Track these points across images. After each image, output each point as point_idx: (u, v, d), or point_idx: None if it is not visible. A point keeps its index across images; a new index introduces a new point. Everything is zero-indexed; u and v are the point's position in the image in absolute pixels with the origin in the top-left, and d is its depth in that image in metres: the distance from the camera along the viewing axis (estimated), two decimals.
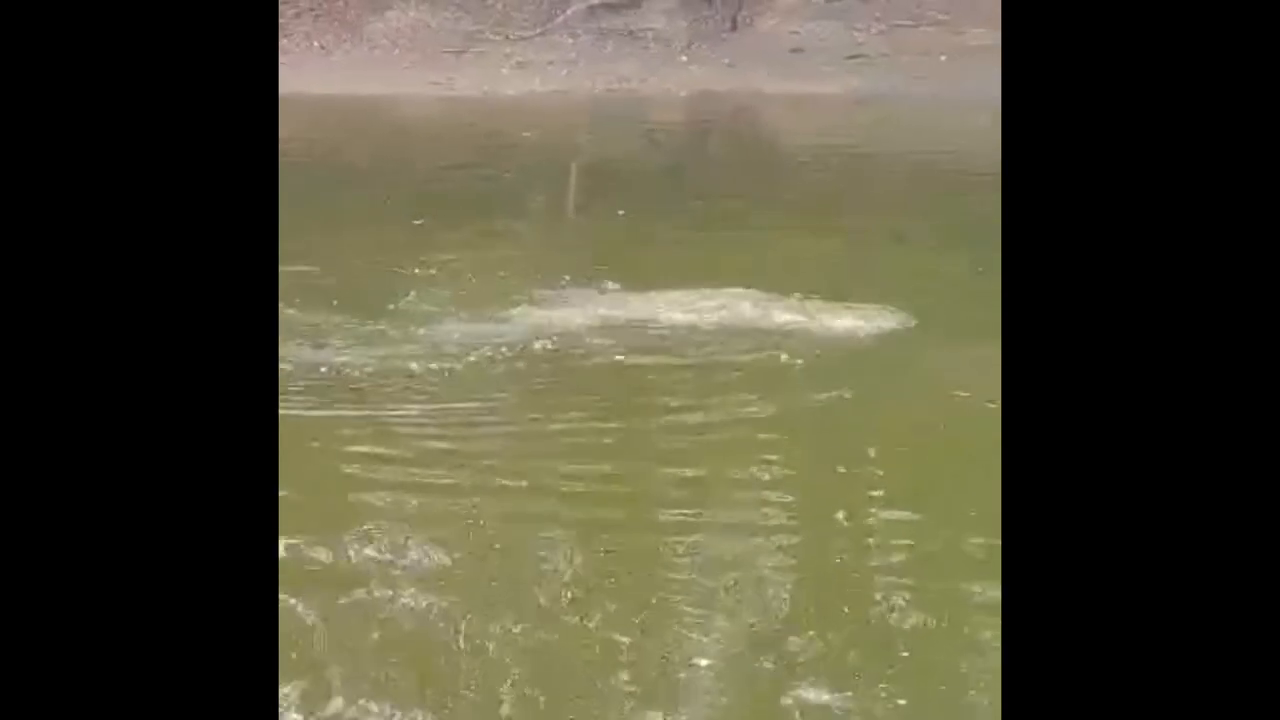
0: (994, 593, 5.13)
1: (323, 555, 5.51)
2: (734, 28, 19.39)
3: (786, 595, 5.36)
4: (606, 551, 5.59)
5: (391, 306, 8.72)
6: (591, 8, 19.48)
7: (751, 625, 5.10)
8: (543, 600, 5.21)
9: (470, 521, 5.84)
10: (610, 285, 9.20)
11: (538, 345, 8.04)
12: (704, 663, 4.88)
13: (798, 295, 8.86)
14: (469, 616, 5.12)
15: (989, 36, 18.44)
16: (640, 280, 9.25)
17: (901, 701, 4.65)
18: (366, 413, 7.05)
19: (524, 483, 6.22)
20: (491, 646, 4.94)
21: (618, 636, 5.00)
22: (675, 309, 8.66)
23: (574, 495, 6.09)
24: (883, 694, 4.70)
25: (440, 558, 5.51)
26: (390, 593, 5.31)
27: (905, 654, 4.91)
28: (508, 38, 19.54)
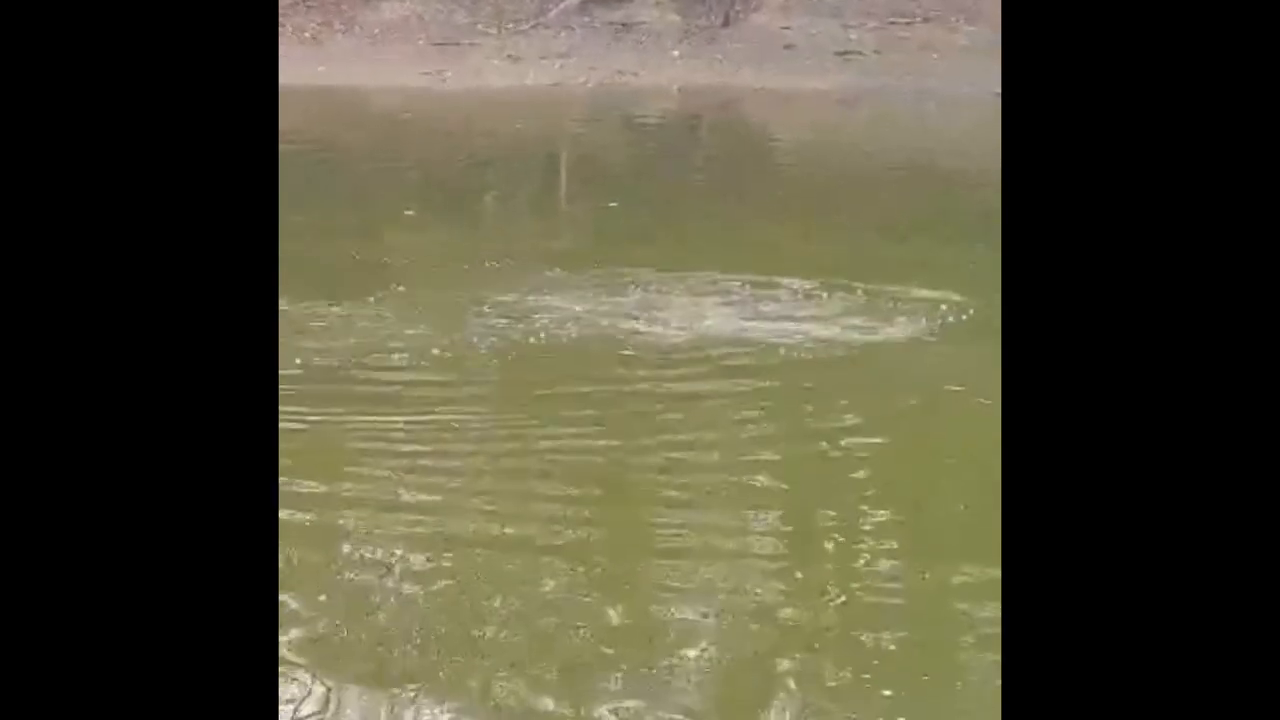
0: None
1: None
2: (726, 23, 19.37)
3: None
4: (591, 570, 5.48)
5: (372, 299, 8.67)
6: (584, 1, 19.46)
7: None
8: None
9: (448, 541, 5.67)
10: (601, 277, 9.18)
11: (528, 339, 8.02)
12: (692, 654, 4.89)
13: (796, 289, 8.86)
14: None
15: (981, 34, 18.42)
16: (631, 272, 9.24)
17: (886, 692, 4.66)
18: (343, 414, 6.95)
19: (505, 502, 6.02)
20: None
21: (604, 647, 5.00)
22: (665, 302, 8.66)
23: (557, 515, 5.91)
24: (866, 684, 4.71)
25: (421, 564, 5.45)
26: (380, 577, 5.30)
27: (892, 647, 4.91)
28: (500, 30, 19.51)
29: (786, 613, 5.13)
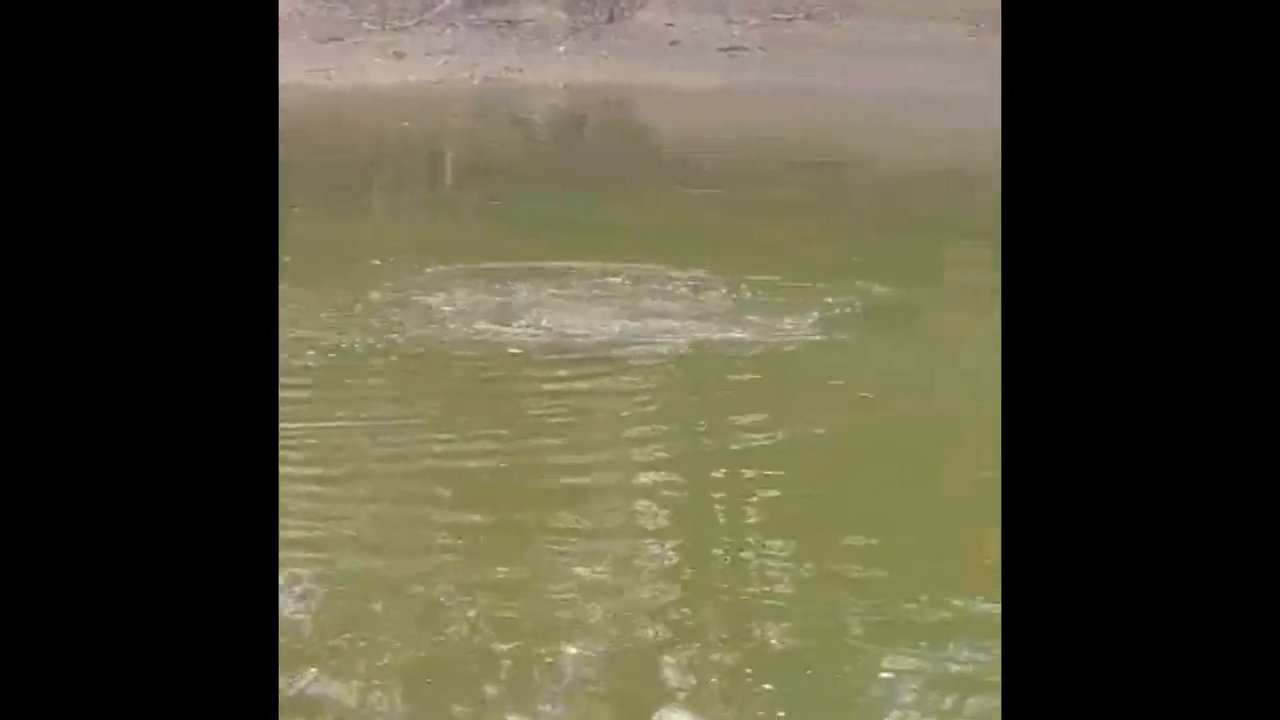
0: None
1: None
2: (611, 19, 19.33)
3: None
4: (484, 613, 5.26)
5: None
6: None
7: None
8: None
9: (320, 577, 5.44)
10: (488, 275, 9.06)
11: (409, 341, 7.88)
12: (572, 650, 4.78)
13: (689, 284, 8.79)
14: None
15: (865, 30, 18.51)
16: (519, 270, 9.14)
17: (767, 686, 4.56)
18: None
19: (385, 529, 5.79)
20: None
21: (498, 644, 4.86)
22: (555, 302, 8.55)
23: (437, 545, 5.71)
24: (747, 678, 4.61)
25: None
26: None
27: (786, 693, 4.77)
28: (385, 27, 19.37)
29: (674, 657, 4.94)
